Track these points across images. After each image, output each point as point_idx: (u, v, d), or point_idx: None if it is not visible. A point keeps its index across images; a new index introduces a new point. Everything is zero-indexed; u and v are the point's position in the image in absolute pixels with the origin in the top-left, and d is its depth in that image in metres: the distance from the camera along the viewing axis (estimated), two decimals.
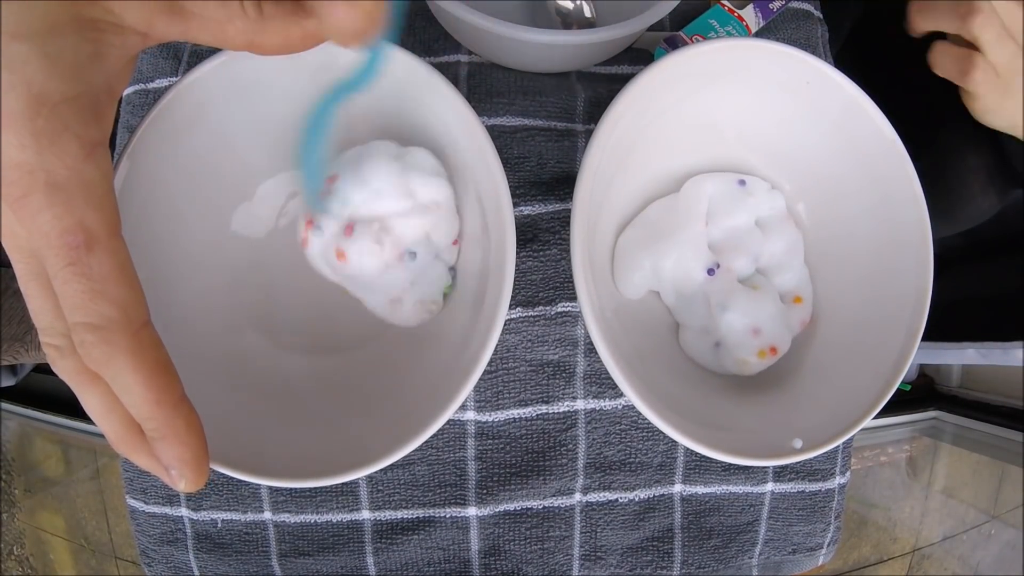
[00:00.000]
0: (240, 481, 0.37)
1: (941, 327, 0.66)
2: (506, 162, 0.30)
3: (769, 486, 0.40)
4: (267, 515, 0.38)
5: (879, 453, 1.13)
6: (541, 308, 0.36)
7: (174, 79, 0.38)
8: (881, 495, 1.15)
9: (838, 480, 0.41)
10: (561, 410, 0.37)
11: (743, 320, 0.34)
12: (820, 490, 0.41)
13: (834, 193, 0.35)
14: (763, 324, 0.34)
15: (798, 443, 0.29)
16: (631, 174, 0.35)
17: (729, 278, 0.35)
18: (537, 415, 0.37)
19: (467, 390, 0.28)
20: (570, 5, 0.39)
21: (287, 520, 0.38)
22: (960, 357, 0.66)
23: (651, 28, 0.37)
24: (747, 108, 0.34)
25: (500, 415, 0.37)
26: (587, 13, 0.39)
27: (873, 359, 0.32)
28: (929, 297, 0.31)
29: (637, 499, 0.39)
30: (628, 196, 0.36)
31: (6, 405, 1.06)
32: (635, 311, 0.35)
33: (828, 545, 0.42)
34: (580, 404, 0.37)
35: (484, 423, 0.37)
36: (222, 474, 0.31)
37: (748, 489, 0.40)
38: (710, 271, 0.35)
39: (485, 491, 0.37)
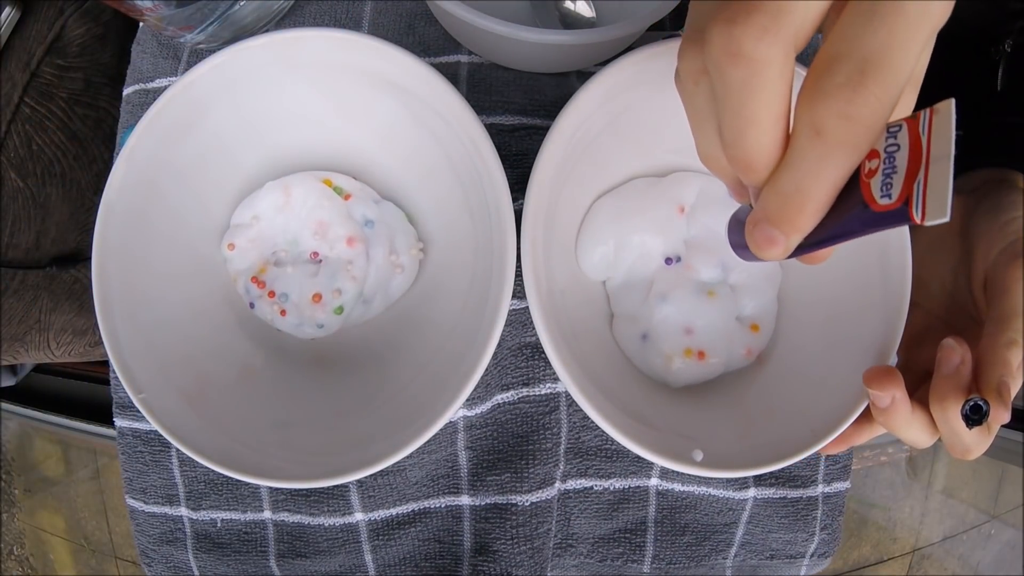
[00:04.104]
0: (240, 480, 0.37)
1: None
2: (505, 159, 0.29)
3: (751, 492, 0.39)
4: (267, 514, 0.38)
5: (879, 453, 1.13)
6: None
7: (173, 79, 0.38)
8: (881, 495, 1.15)
9: (821, 489, 0.40)
10: (543, 392, 0.37)
11: (678, 316, 0.33)
12: (801, 497, 0.40)
13: None
14: (698, 327, 0.33)
15: (698, 455, 0.29)
16: (624, 146, 0.34)
17: (685, 275, 0.34)
18: (519, 398, 0.37)
19: (468, 391, 0.28)
20: (570, 5, 0.39)
21: (286, 519, 0.38)
22: None
23: (651, 28, 0.37)
24: None
25: (486, 404, 0.37)
26: (587, 13, 0.39)
27: (822, 400, 0.31)
28: (891, 358, 0.30)
29: (612, 488, 0.38)
30: (617, 167, 0.35)
31: (6, 405, 1.06)
32: (585, 292, 0.35)
33: (812, 556, 0.41)
34: (562, 386, 0.37)
35: (472, 416, 0.37)
36: (222, 473, 0.31)
37: (730, 495, 0.39)
38: (668, 260, 0.34)
39: (476, 478, 0.37)
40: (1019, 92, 0.41)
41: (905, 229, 0.30)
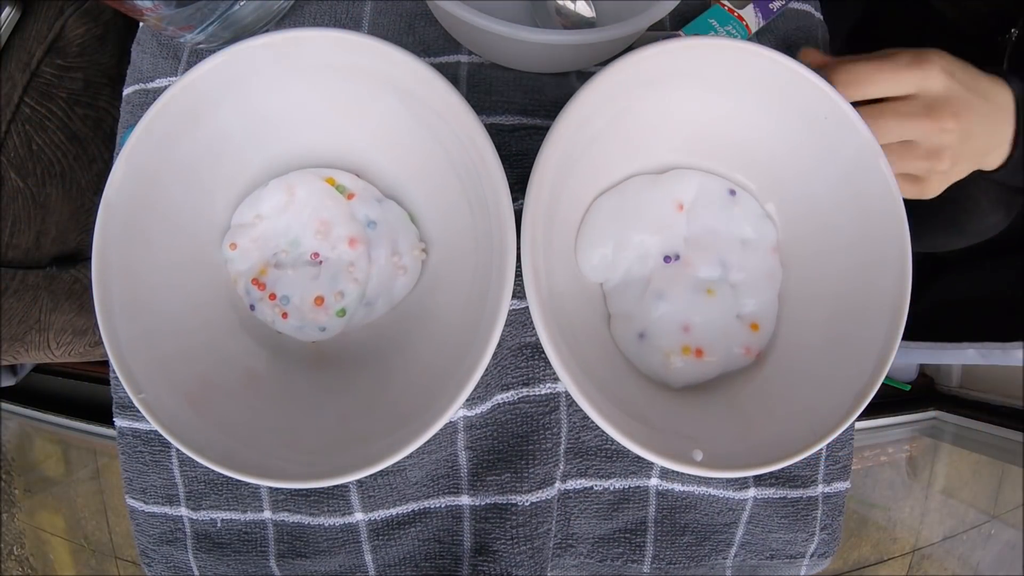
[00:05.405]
0: (240, 480, 0.37)
1: (941, 327, 0.66)
2: (505, 159, 0.30)
3: (751, 492, 0.39)
4: (267, 514, 0.38)
5: (879, 453, 1.13)
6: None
7: (173, 79, 0.38)
8: (881, 495, 1.15)
9: (821, 488, 0.40)
10: (543, 392, 0.37)
11: (676, 313, 0.33)
12: (801, 497, 0.40)
13: (815, 214, 0.34)
14: (696, 324, 0.33)
15: (698, 455, 0.29)
16: (624, 145, 0.34)
17: (684, 272, 0.34)
18: (519, 398, 0.37)
19: (468, 391, 0.28)
20: (570, 5, 0.39)
21: (286, 519, 0.38)
22: (960, 357, 0.66)
23: (651, 28, 0.37)
24: (736, 112, 0.33)
25: (486, 404, 0.37)
26: (587, 13, 0.39)
27: (822, 400, 0.31)
28: (889, 364, 0.30)
29: (612, 488, 0.38)
30: (616, 167, 0.35)
31: (6, 405, 1.06)
32: (585, 292, 0.35)
33: (812, 556, 0.41)
34: (562, 386, 0.37)
35: (472, 416, 0.37)
36: (222, 473, 0.30)
37: (729, 495, 0.39)
38: (667, 258, 0.34)
39: (476, 478, 0.37)
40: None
41: (906, 235, 0.30)
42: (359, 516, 0.38)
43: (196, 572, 0.39)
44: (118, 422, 0.39)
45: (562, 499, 0.38)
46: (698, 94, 0.33)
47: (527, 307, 0.30)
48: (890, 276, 0.31)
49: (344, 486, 0.37)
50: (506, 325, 0.36)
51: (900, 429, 1.06)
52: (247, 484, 0.38)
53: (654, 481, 0.39)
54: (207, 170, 0.33)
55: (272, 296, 0.34)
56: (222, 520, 0.39)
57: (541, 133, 0.37)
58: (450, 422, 0.37)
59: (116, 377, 0.36)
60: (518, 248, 0.29)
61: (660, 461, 0.28)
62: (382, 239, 0.34)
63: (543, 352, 0.36)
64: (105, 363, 0.50)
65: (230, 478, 0.37)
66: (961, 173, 0.36)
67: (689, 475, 0.39)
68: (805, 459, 0.39)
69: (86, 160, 0.52)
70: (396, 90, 0.31)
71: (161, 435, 0.34)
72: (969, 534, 1.10)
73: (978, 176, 0.38)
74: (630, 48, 0.39)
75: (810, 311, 0.34)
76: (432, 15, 0.38)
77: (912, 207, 0.31)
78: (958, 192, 0.37)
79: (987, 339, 0.62)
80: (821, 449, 0.40)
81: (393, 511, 0.38)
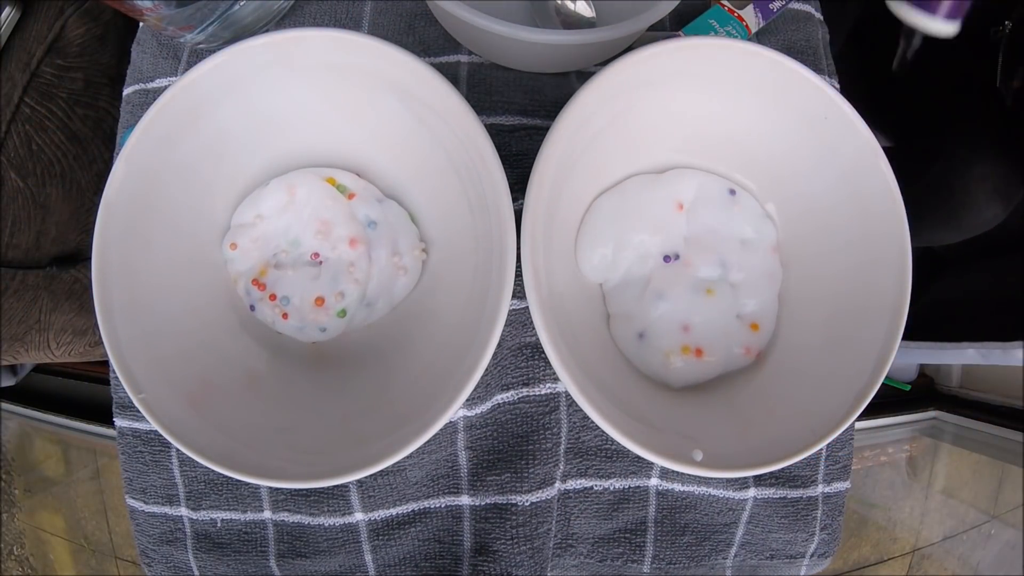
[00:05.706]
0: (240, 480, 0.37)
1: (941, 327, 0.66)
2: (505, 159, 0.30)
3: (751, 492, 0.39)
4: (267, 514, 0.38)
5: (879, 453, 1.13)
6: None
7: (173, 79, 0.38)
8: (881, 495, 1.15)
9: (821, 488, 0.40)
10: (543, 392, 0.37)
11: (675, 313, 0.33)
12: (801, 497, 0.40)
13: (815, 213, 0.34)
14: (696, 324, 0.33)
15: (698, 455, 0.29)
16: (624, 145, 0.34)
17: (684, 272, 0.34)
18: (519, 398, 0.37)
19: (468, 391, 0.28)
20: (570, 5, 0.39)
21: (286, 519, 0.38)
22: (960, 357, 0.66)
23: (651, 28, 0.37)
24: (733, 111, 0.33)
25: (486, 404, 0.37)
26: (587, 13, 0.39)
27: (822, 400, 0.31)
28: (889, 364, 0.30)
29: (612, 488, 0.38)
30: (616, 167, 0.35)
31: (6, 405, 1.06)
32: (585, 292, 0.35)
33: (812, 556, 0.41)
34: (562, 386, 0.37)
35: (472, 416, 0.37)
36: (222, 473, 0.30)
37: (729, 495, 0.39)
38: (667, 258, 0.34)
39: (476, 478, 0.37)
40: (1018, 67, 0.41)
41: (906, 235, 0.30)
42: (359, 516, 0.38)
43: (196, 572, 0.39)
44: (118, 422, 0.39)
45: (562, 499, 0.38)
46: (698, 94, 0.33)
47: (527, 307, 0.30)
48: (890, 276, 0.31)
49: (344, 486, 0.37)
50: (506, 325, 0.36)
51: (900, 429, 1.06)
52: (247, 484, 0.38)
53: (654, 481, 0.39)
54: (207, 170, 0.33)
55: (272, 296, 0.34)
56: (222, 520, 0.39)
57: (541, 133, 0.37)
58: (450, 422, 0.37)
59: (116, 377, 0.36)
60: (518, 248, 0.29)
61: (660, 461, 0.28)
62: (382, 239, 0.34)
63: (543, 352, 0.36)
64: (105, 363, 0.50)
65: (230, 478, 0.37)
66: None
67: (689, 475, 0.39)
68: (805, 459, 0.39)
69: (86, 160, 0.52)
70: (396, 90, 0.31)
71: (161, 435, 0.34)
72: (969, 534, 1.10)
73: (972, 165, 0.37)
74: (630, 48, 0.39)
75: (810, 311, 0.34)
76: (432, 15, 0.38)
77: (906, 202, 0.31)
78: (952, 181, 0.37)
79: (987, 339, 0.62)
80: (821, 449, 0.40)
81: (393, 511, 0.38)
